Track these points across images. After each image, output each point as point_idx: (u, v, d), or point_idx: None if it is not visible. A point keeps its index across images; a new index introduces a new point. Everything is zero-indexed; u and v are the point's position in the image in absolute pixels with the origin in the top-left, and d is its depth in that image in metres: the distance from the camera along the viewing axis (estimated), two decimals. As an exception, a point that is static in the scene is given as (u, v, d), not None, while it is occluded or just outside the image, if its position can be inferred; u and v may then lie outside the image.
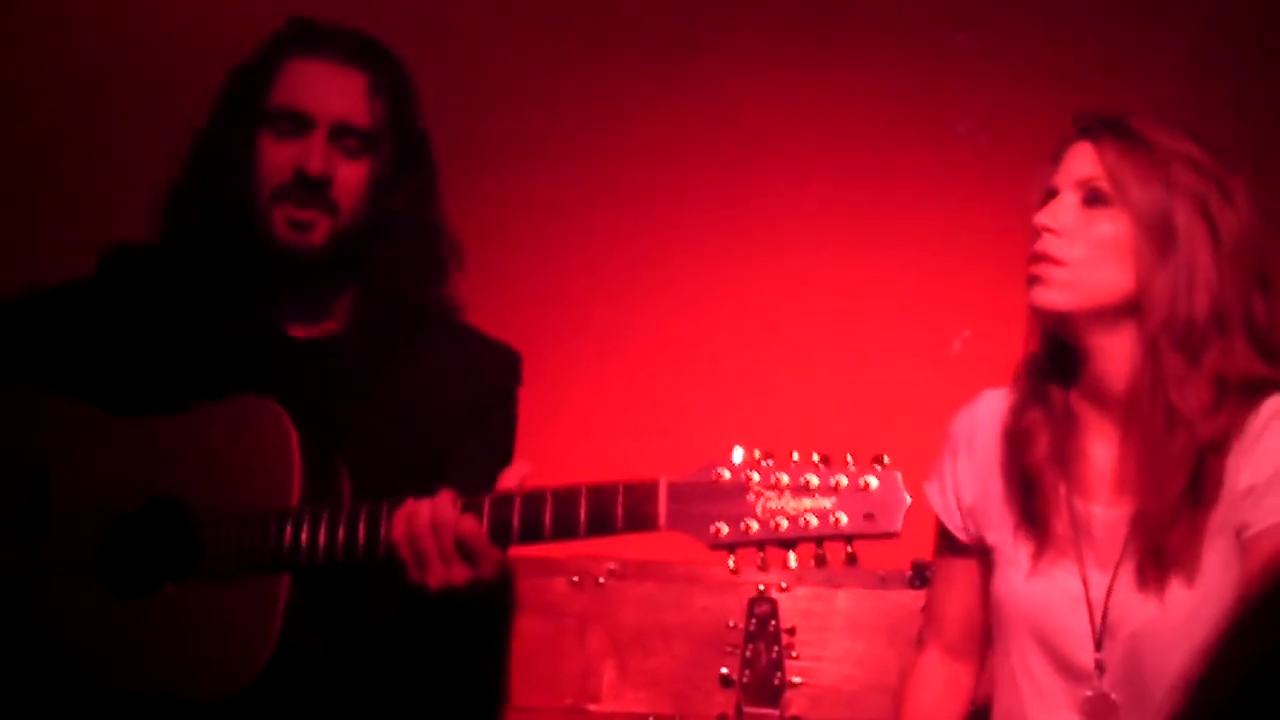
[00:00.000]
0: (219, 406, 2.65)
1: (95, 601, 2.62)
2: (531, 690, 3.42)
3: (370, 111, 2.72)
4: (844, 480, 2.20)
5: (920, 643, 2.83)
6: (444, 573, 2.40)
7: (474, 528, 2.39)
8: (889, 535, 2.20)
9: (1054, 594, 2.54)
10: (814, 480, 2.21)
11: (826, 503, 2.20)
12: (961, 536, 2.68)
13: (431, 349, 2.77)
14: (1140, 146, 2.48)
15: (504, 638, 2.93)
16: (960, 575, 2.72)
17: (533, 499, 2.39)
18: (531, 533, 2.38)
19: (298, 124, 2.69)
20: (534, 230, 3.62)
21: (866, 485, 2.20)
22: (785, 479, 2.22)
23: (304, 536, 2.48)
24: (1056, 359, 2.56)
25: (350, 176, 2.71)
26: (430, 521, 2.40)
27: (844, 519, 2.19)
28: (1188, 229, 2.45)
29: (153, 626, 2.58)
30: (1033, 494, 2.55)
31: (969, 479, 2.66)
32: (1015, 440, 2.58)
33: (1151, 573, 2.46)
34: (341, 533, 2.46)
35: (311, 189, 2.68)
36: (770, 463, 2.24)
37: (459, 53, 3.36)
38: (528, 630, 3.43)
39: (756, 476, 2.23)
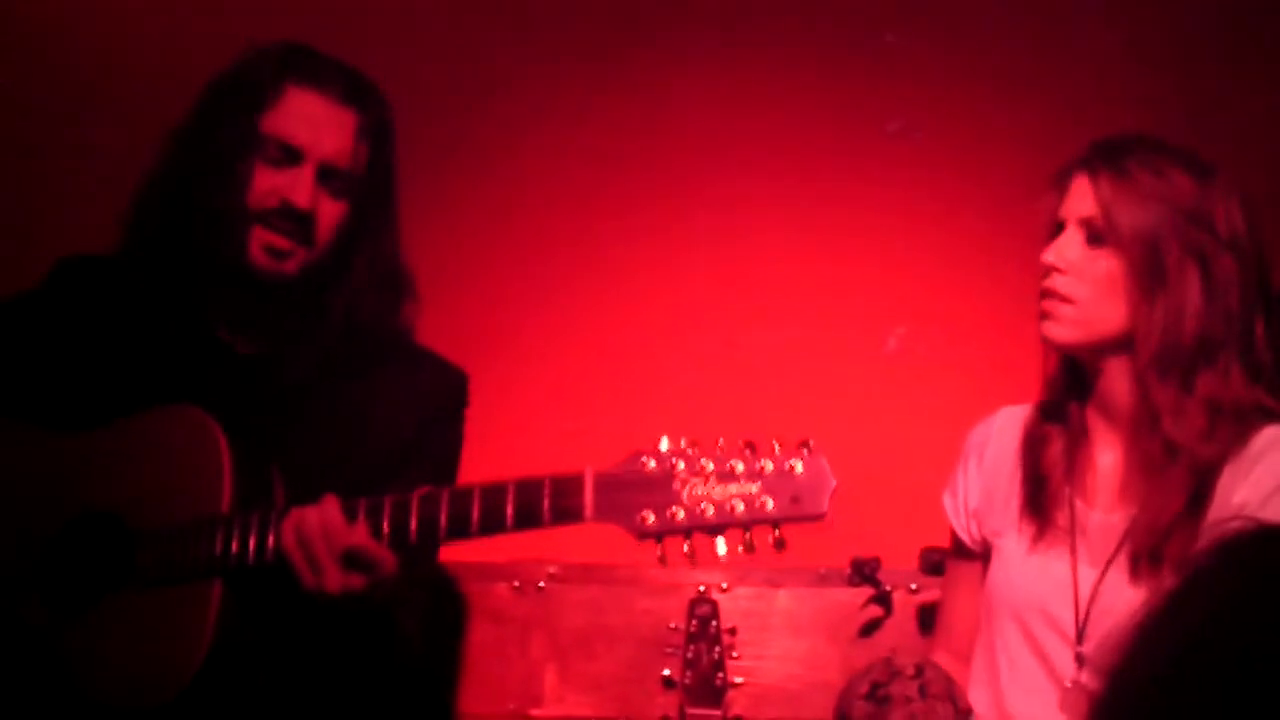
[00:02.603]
0: (147, 417, 2.64)
1: (31, 617, 2.60)
2: (474, 696, 3.41)
3: (356, 154, 2.73)
4: (770, 465, 2.21)
5: (930, 648, 2.90)
6: (340, 578, 2.42)
7: (362, 536, 2.41)
8: (816, 518, 2.21)
9: (1045, 580, 2.63)
10: (740, 466, 2.22)
11: (753, 488, 2.21)
12: (967, 541, 2.79)
13: (378, 370, 2.78)
14: (1133, 186, 2.58)
15: (442, 641, 2.92)
16: (968, 582, 2.81)
17: (460, 495, 2.40)
18: (459, 529, 2.39)
19: (289, 155, 2.70)
20: (467, 230, 3.61)
21: (792, 469, 2.21)
22: (711, 466, 2.22)
23: (234, 543, 2.48)
24: (1072, 376, 2.69)
25: (330, 213, 2.72)
26: (320, 528, 2.41)
27: (770, 503, 2.20)
28: (1177, 267, 2.55)
29: (91, 639, 2.57)
30: (1041, 491, 2.67)
31: (976, 484, 2.78)
32: (1031, 443, 2.70)
33: (1147, 568, 2.54)
34: (270, 539, 2.48)
35: (295, 221, 2.68)
36: (695, 450, 2.25)
37: (396, 55, 3.35)
38: (469, 636, 3.42)
39: (682, 464, 2.23)
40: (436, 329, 2.90)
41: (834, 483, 2.20)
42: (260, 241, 2.68)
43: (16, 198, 3.70)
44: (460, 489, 2.42)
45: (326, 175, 2.71)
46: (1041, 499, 2.66)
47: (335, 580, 2.42)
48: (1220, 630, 1.24)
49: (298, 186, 2.68)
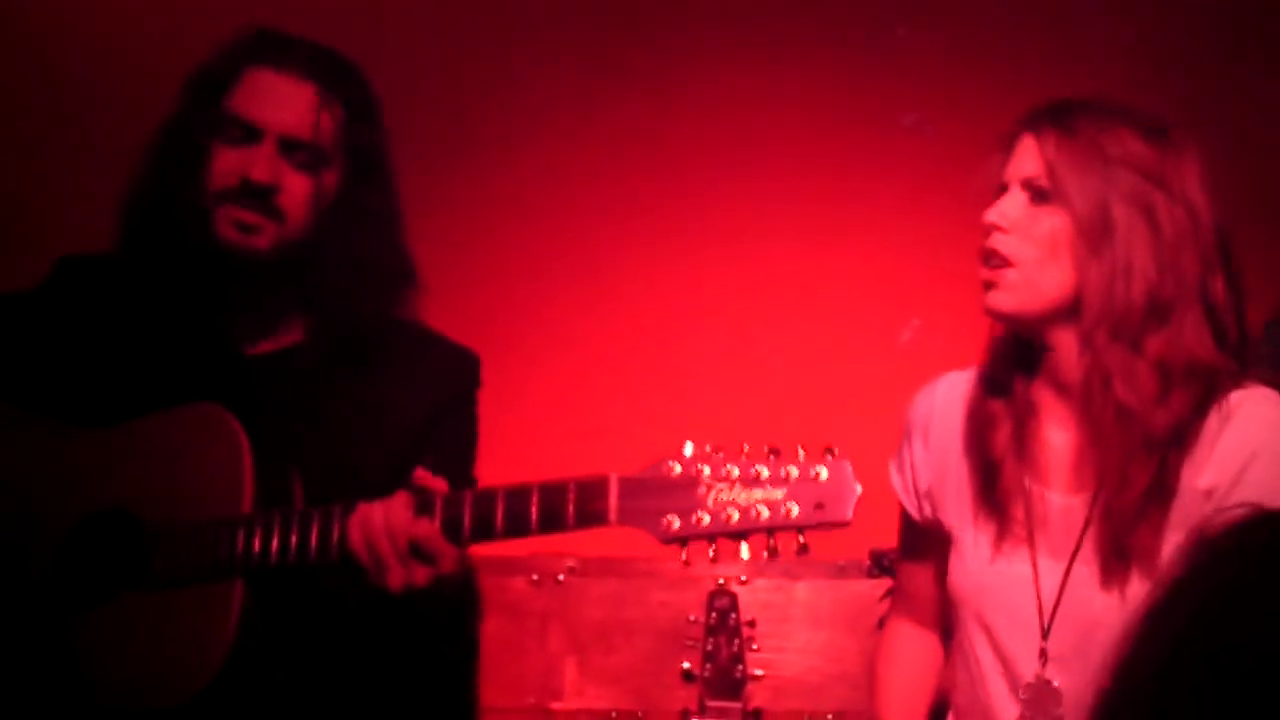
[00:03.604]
0: (167, 416, 2.64)
1: (49, 615, 2.61)
2: (494, 690, 3.41)
3: (319, 125, 2.70)
4: (794, 471, 2.21)
5: (891, 614, 2.85)
6: (404, 574, 2.41)
7: (428, 529, 2.39)
8: (840, 525, 2.21)
9: (1006, 582, 2.55)
10: (764, 472, 2.22)
11: (777, 493, 2.21)
12: (918, 517, 2.70)
13: (387, 359, 2.76)
14: (1078, 141, 2.47)
15: (472, 639, 2.93)
16: (922, 549, 2.73)
17: (484, 497, 2.40)
18: (483, 531, 2.39)
19: (248, 133, 2.69)
20: (484, 228, 3.62)
21: (817, 475, 2.20)
22: (736, 471, 2.22)
23: (256, 542, 2.48)
24: (1018, 347, 2.56)
25: (298, 188, 2.69)
26: (384, 525, 2.40)
27: (795, 509, 2.20)
28: (1125, 223, 2.44)
29: (107, 637, 2.57)
30: (994, 481, 2.56)
31: (925, 462, 2.67)
32: (978, 427, 2.58)
33: (1115, 566, 2.46)
34: (294, 538, 2.47)
35: (256, 195, 2.67)
36: (721, 455, 2.24)
37: (410, 57, 3.35)
38: (489, 630, 3.42)
39: (707, 469, 2.24)
40: (450, 327, 2.90)
41: (859, 490, 2.20)
42: (228, 218, 2.67)
43: (16, 198, 3.70)
44: (484, 491, 2.42)
45: (288, 148, 2.69)
46: (995, 489, 2.55)
47: (400, 576, 2.42)
48: (1219, 618, 1.23)
49: (255, 161, 2.67)
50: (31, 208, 3.71)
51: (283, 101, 2.70)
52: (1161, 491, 2.44)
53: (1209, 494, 2.44)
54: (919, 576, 2.75)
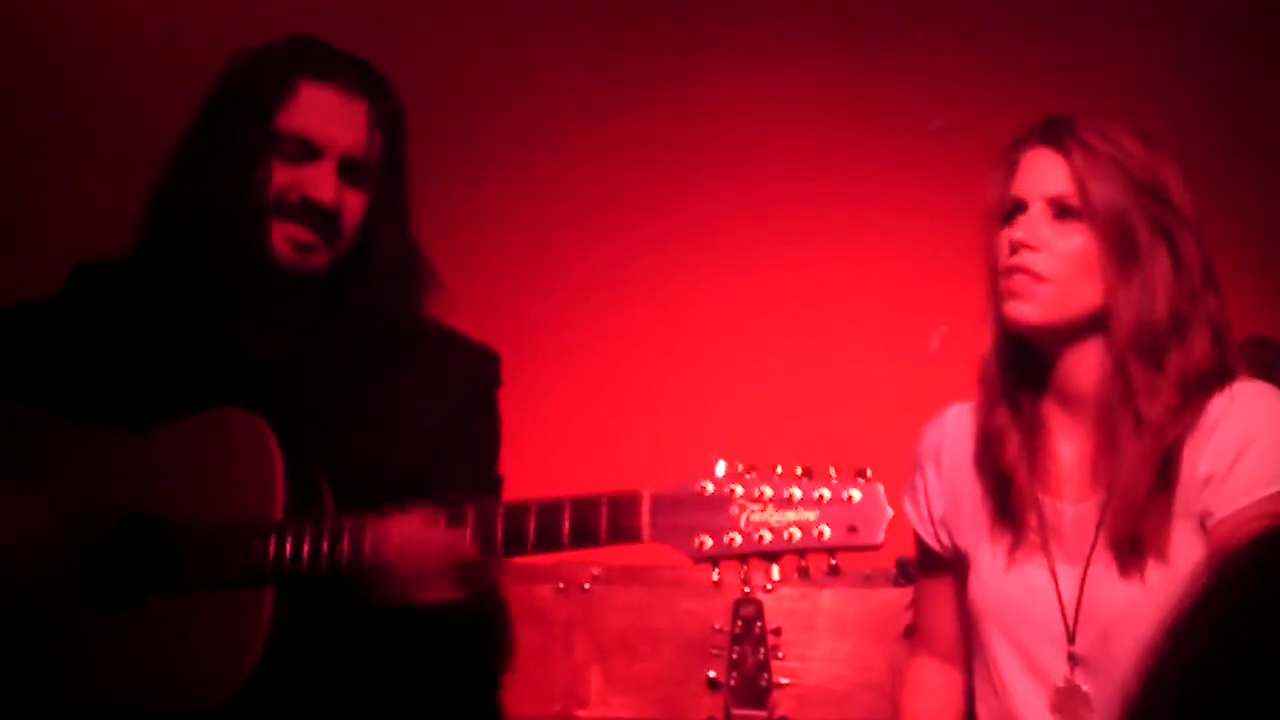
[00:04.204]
0: (196, 420, 2.64)
1: (77, 618, 2.61)
2: (519, 698, 3.40)
3: (370, 144, 2.71)
4: (827, 493, 2.21)
5: (912, 652, 2.89)
6: (437, 587, 2.41)
7: (461, 541, 2.39)
8: (872, 548, 2.22)
9: (1026, 590, 2.60)
10: (797, 493, 2.22)
11: (810, 515, 2.21)
12: (935, 547, 2.75)
13: (408, 359, 2.76)
14: (1102, 161, 2.53)
15: (499, 649, 2.93)
16: (942, 587, 2.78)
17: (516, 512, 2.39)
18: (515, 545, 2.39)
19: (307, 151, 2.68)
20: (510, 238, 3.62)
21: (850, 498, 2.21)
22: (769, 492, 2.23)
23: (288, 549, 2.48)
24: (1020, 360, 2.61)
25: (354, 206, 2.70)
26: (419, 537, 2.40)
27: (827, 532, 2.20)
28: (1148, 243, 2.51)
29: (136, 641, 2.57)
30: (1007, 493, 2.61)
31: (938, 491, 2.72)
32: (988, 443, 2.63)
33: (1130, 559, 2.51)
34: (325, 545, 2.46)
35: (321, 216, 2.67)
36: (753, 475, 2.25)
37: (436, 63, 3.34)
38: (514, 637, 3.43)
39: (740, 489, 2.24)
40: (479, 334, 2.89)
41: (890, 513, 2.21)
42: (282, 234, 2.67)
43: (16, 198, 3.70)
44: (516, 505, 2.41)
45: (346, 168, 2.69)
46: (1009, 502, 2.60)
47: (432, 589, 2.42)
48: (1244, 631, 1.23)
49: (321, 182, 2.66)
50: (31, 208, 3.71)
51: (343, 121, 2.69)
52: (1167, 482, 2.51)
53: (1207, 481, 2.50)
54: (940, 611, 2.80)
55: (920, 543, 2.78)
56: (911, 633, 2.99)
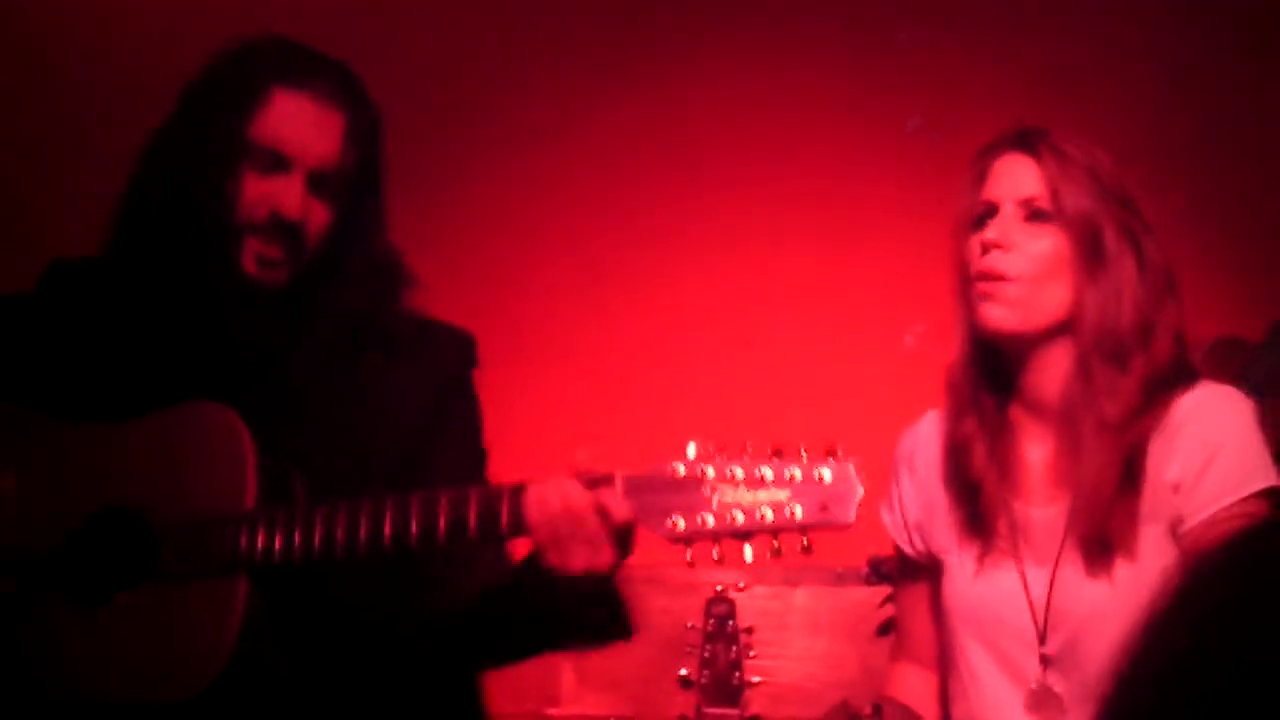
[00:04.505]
0: (170, 413, 2.63)
1: (52, 611, 2.60)
2: (492, 695, 3.39)
3: (344, 157, 2.68)
4: (798, 472, 2.22)
5: (893, 658, 2.90)
6: (591, 557, 2.37)
7: (615, 498, 2.32)
8: (844, 526, 2.22)
9: (996, 594, 2.62)
10: (768, 473, 2.22)
11: (782, 495, 2.21)
12: (911, 553, 2.77)
13: (382, 348, 2.75)
14: (1076, 167, 2.57)
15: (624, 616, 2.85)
16: (920, 592, 2.79)
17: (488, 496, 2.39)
18: (490, 531, 2.39)
19: (278, 163, 2.66)
20: (494, 232, 3.62)
21: (821, 477, 2.21)
22: (740, 472, 2.23)
23: (260, 539, 2.47)
24: (987, 366, 2.64)
25: (319, 219, 2.67)
26: (564, 503, 2.35)
27: (799, 511, 2.21)
28: (1115, 247, 2.55)
29: (111, 633, 2.57)
30: (976, 500, 2.63)
31: (912, 496, 2.75)
32: (955, 451, 2.66)
33: (1098, 559, 2.54)
34: (298, 536, 2.45)
35: (285, 232, 2.65)
36: (724, 456, 2.25)
37: (423, 59, 3.35)
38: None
39: (711, 470, 2.24)
40: (458, 323, 2.89)
41: (861, 491, 2.21)
42: (252, 252, 2.64)
43: (16, 198, 3.70)
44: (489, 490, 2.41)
45: (316, 182, 2.66)
46: (978, 509, 2.62)
47: (584, 559, 2.37)
48: (1218, 632, 1.23)
49: (287, 196, 2.63)
50: (31, 208, 3.71)
51: (315, 133, 2.66)
52: (1132, 482, 2.53)
53: (1177, 487, 2.53)
54: (919, 618, 2.81)
55: (899, 552, 2.80)
56: (891, 636, 3.00)
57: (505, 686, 3.42)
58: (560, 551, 2.37)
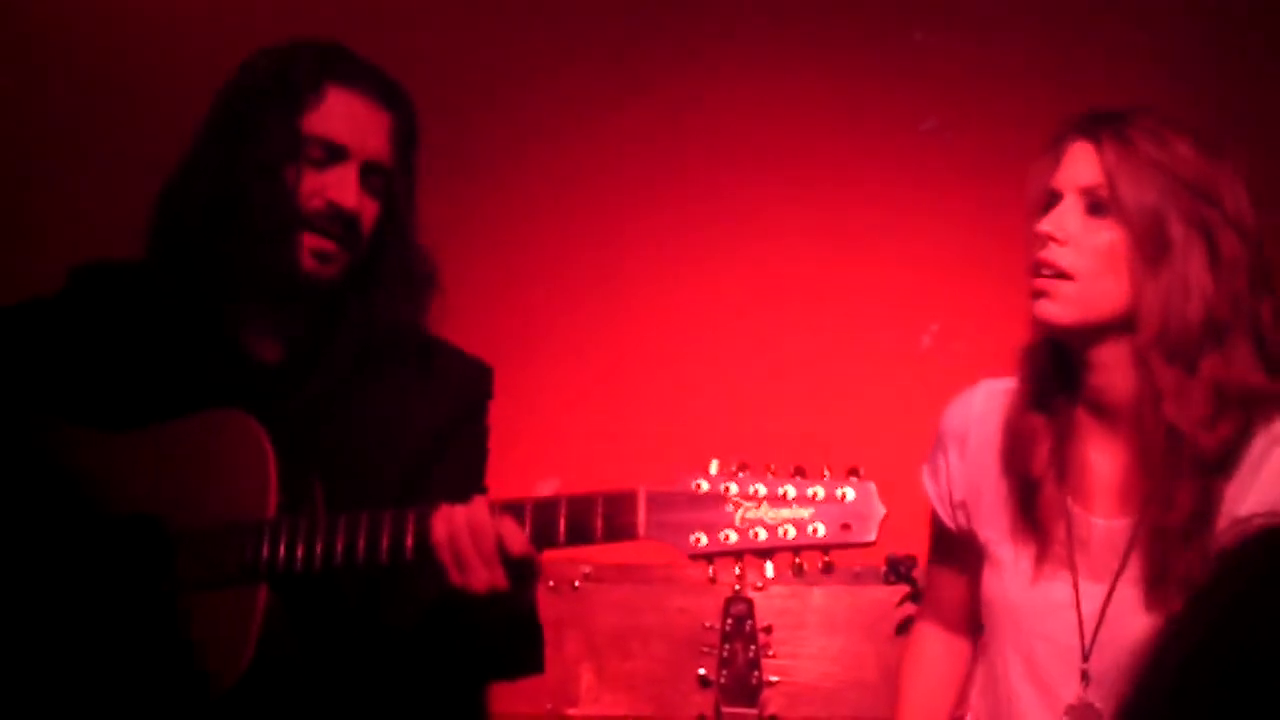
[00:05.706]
0: (192, 421, 2.64)
1: (74, 614, 2.61)
2: (510, 696, 3.42)
3: (392, 153, 2.72)
4: (820, 492, 2.23)
5: (919, 616, 2.86)
6: (488, 576, 2.39)
7: (514, 529, 2.37)
8: (865, 545, 2.24)
9: (1046, 604, 2.54)
10: (791, 491, 2.24)
11: (804, 513, 2.23)
12: (951, 526, 2.68)
13: (402, 369, 2.76)
14: (1138, 154, 2.43)
15: (537, 645, 2.90)
16: (954, 555, 2.72)
17: (512, 511, 2.40)
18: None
19: (332, 154, 2.67)
20: (501, 236, 3.62)
21: (843, 497, 2.23)
22: (763, 490, 2.25)
23: (282, 549, 2.48)
24: (1056, 360, 2.53)
25: (370, 213, 2.71)
26: (467, 524, 2.39)
27: (821, 529, 2.23)
28: (1182, 240, 2.40)
29: (129, 640, 2.57)
30: (1033, 500, 2.53)
31: (960, 474, 2.65)
32: (1016, 444, 2.55)
33: (1160, 589, 2.43)
34: (319, 544, 2.46)
35: (343, 223, 2.67)
36: (747, 474, 2.27)
37: (430, 60, 3.34)
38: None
39: (734, 487, 2.26)
40: (463, 333, 2.89)
41: (883, 511, 2.23)
42: (310, 246, 2.66)
43: (16, 198, 3.70)
44: (512, 503, 2.42)
45: (368, 175, 2.69)
46: (1035, 509, 2.52)
47: (483, 579, 2.40)
48: (1236, 630, 1.23)
49: (344, 186, 2.65)
50: (31, 208, 3.71)
51: (369, 127, 2.69)
52: (1206, 516, 2.40)
53: (1249, 520, 2.38)
54: (949, 581, 2.76)
55: (935, 515, 2.71)
56: (921, 597, 2.94)
57: (523, 687, 3.44)
58: (462, 571, 2.40)
